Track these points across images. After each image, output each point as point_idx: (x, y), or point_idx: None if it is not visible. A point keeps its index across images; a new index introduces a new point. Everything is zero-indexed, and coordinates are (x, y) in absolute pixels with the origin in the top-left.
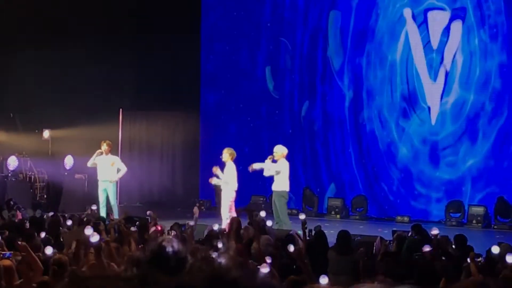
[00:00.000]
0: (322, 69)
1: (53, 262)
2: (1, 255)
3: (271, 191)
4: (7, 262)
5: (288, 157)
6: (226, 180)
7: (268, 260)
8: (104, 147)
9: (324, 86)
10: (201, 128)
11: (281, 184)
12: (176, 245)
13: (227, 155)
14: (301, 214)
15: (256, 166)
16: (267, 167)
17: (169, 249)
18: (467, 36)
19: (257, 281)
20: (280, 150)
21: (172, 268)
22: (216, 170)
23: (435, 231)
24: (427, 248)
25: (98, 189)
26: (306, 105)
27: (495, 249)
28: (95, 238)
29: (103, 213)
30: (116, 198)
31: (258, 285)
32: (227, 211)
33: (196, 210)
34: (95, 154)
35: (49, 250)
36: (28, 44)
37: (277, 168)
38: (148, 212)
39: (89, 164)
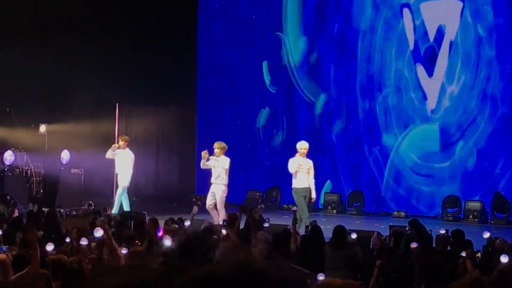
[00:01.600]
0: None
1: (52, 262)
2: None
3: (267, 186)
4: (1, 257)
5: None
6: (224, 166)
7: None
8: (120, 142)
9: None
10: (198, 123)
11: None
12: (203, 237)
13: (219, 150)
14: (294, 206)
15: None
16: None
17: (196, 241)
18: (464, 28)
19: (285, 271)
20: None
21: (199, 259)
22: (205, 153)
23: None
24: (413, 245)
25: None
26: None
27: (504, 259)
28: (99, 233)
29: (126, 207)
30: (125, 195)
31: (285, 275)
32: (223, 206)
33: (195, 208)
34: (111, 148)
35: (50, 247)
36: (25, 39)
37: (310, 164)
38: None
39: (107, 155)
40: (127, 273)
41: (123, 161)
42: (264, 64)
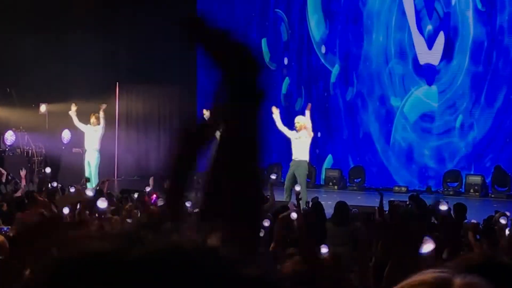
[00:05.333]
0: (307, 41)
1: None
2: None
3: (268, 163)
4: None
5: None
6: None
7: (266, 223)
8: (92, 119)
9: (311, 58)
10: (198, 101)
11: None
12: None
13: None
14: (297, 186)
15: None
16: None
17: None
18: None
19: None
20: (301, 121)
21: (163, 232)
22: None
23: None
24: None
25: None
26: (287, 81)
27: (443, 206)
28: (102, 204)
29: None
30: (98, 172)
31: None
32: None
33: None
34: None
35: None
36: (25, 19)
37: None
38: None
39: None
40: (84, 243)
41: (93, 135)
42: (263, 42)
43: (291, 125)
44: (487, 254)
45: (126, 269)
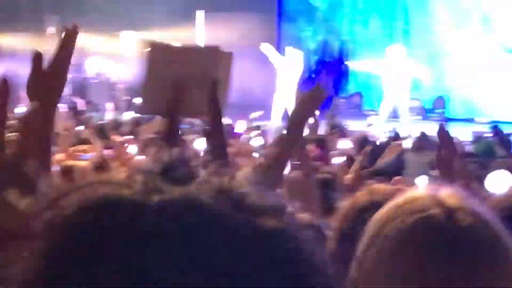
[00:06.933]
0: None
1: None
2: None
3: None
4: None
5: None
6: None
7: None
8: None
9: None
10: (278, 30)
11: None
12: (187, 156)
13: None
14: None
15: None
16: None
17: (180, 160)
18: None
19: (268, 200)
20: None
21: (180, 180)
22: None
23: None
24: None
25: None
26: None
27: None
28: None
29: None
30: None
31: (268, 204)
32: None
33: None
34: None
35: None
36: None
37: None
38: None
39: None
40: (101, 189)
41: None
42: None
43: None
44: None
45: (143, 217)
